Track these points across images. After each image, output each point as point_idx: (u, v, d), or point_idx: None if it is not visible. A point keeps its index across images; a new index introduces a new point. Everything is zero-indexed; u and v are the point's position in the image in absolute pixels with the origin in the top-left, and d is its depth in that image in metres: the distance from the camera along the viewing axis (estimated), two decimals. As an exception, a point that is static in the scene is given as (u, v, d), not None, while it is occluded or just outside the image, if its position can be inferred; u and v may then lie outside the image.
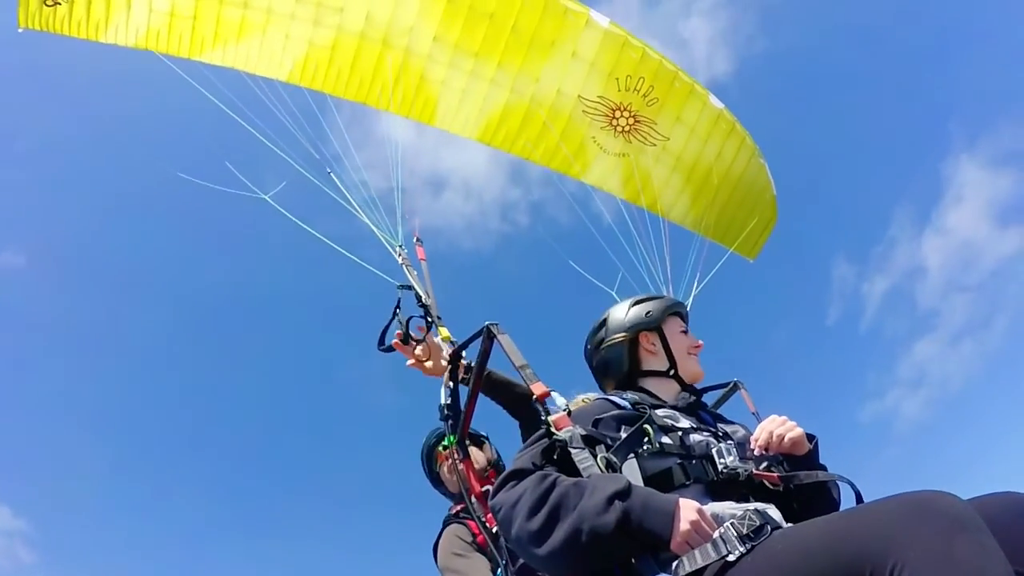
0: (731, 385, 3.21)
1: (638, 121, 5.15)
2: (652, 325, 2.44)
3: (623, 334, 2.46)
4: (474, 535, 3.14)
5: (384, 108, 4.69)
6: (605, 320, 2.57)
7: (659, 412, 2.06)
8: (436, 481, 3.60)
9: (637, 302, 2.54)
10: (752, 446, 2.08)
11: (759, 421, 2.22)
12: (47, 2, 4.20)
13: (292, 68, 4.71)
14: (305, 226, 3.93)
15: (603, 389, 2.55)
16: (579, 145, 5.19)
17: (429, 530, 3.37)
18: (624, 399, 2.12)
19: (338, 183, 4.14)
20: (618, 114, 5.12)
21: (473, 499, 2.63)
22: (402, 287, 3.35)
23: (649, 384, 2.38)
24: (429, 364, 3.05)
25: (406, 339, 3.07)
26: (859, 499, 1.86)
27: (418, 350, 3.06)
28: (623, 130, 5.18)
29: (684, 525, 1.53)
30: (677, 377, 2.38)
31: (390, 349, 3.11)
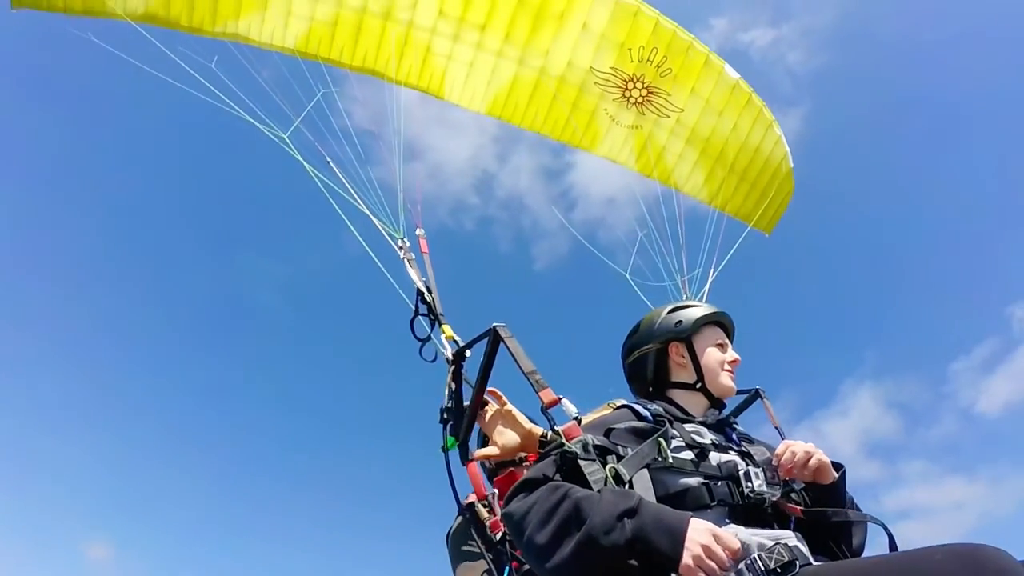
0: (752, 393, 2.99)
1: (652, 92, 4.99)
2: (682, 336, 2.31)
3: (652, 344, 2.35)
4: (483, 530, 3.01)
5: (390, 80, 4.54)
6: (638, 326, 2.46)
7: (686, 427, 2.01)
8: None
9: (672, 310, 2.40)
10: (774, 461, 1.99)
11: (782, 436, 2.10)
12: (40, -20, 4.08)
13: (296, 42, 4.58)
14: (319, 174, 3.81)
15: (634, 394, 2.45)
16: (590, 117, 5.03)
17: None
18: (648, 409, 2.06)
19: (338, 172, 3.97)
20: (631, 85, 4.96)
21: (478, 504, 2.57)
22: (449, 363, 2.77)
23: (677, 396, 2.28)
24: (504, 439, 2.37)
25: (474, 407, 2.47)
26: (892, 542, 1.84)
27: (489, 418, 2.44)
28: (636, 101, 5.02)
29: (694, 548, 1.46)
30: (705, 391, 2.26)
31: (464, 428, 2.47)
